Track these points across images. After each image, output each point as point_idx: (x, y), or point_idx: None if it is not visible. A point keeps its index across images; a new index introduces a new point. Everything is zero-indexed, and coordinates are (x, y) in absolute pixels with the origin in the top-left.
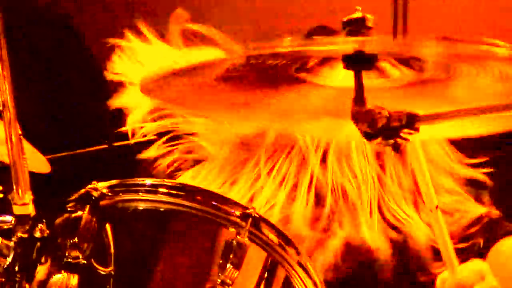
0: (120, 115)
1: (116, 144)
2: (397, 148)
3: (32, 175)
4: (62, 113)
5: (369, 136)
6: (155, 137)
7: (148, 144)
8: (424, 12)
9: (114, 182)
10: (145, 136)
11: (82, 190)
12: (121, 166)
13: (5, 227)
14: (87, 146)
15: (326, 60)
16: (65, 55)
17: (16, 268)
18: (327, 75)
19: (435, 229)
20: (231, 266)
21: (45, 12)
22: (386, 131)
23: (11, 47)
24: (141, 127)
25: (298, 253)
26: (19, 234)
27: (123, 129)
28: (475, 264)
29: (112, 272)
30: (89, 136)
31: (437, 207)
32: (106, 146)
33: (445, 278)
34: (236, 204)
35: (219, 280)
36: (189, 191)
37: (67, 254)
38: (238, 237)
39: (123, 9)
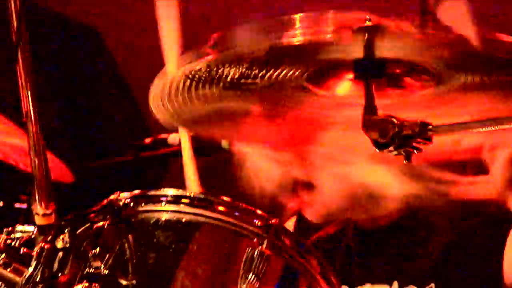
0: (145, 126)
1: (141, 154)
2: (409, 157)
3: (55, 185)
4: (86, 124)
5: (380, 145)
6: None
7: (173, 154)
8: None
9: (136, 192)
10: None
11: (105, 201)
12: (146, 176)
13: (28, 237)
14: (111, 156)
15: (333, 70)
16: (91, 66)
17: (38, 278)
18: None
19: None
20: (253, 277)
21: (71, 24)
22: (398, 140)
23: (36, 58)
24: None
25: (320, 264)
26: (41, 244)
27: (148, 139)
28: None
29: (134, 283)
30: (114, 146)
31: None
32: (131, 156)
33: None
34: (258, 214)
35: None
36: (211, 202)
37: (89, 265)
38: (260, 247)
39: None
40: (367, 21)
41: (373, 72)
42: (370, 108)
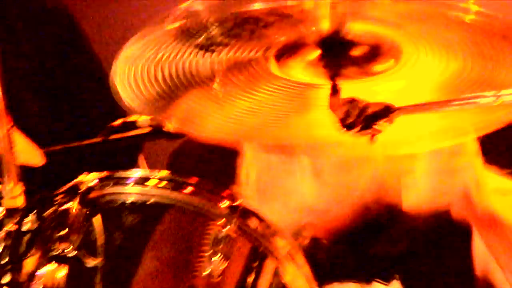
0: (115, 108)
1: (111, 137)
2: (373, 138)
3: (28, 167)
4: (58, 106)
5: (346, 126)
6: (150, 129)
7: (143, 136)
8: None
9: (102, 174)
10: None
11: (71, 182)
12: (116, 158)
13: None
14: (83, 138)
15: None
16: (61, 46)
17: (5, 261)
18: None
19: None
20: (219, 258)
21: (42, 6)
22: (364, 121)
23: (6, 40)
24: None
25: (287, 245)
26: (8, 227)
27: (117, 121)
28: None
29: (100, 264)
30: (85, 128)
31: None
32: (100, 139)
33: None
34: (224, 196)
35: (207, 272)
36: (177, 184)
37: (56, 246)
38: (227, 228)
39: None
40: None
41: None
42: (336, 89)
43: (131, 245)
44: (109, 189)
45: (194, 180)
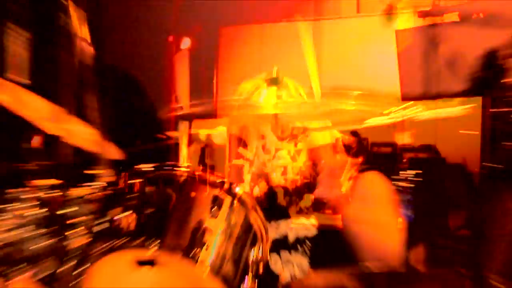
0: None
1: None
2: (296, 145)
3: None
4: (131, 126)
5: (280, 139)
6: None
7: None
8: None
9: (153, 164)
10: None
11: (134, 168)
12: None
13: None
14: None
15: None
16: (131, 93)
17: (103, 210)
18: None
19: None
20: (216, 208)
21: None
22: (291, 135)
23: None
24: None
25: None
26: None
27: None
28: None
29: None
30: (146, 138)
31: None
32: (154, 144)
33: None
34: (217, 175)
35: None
36: (192, 169)
37: (128, 203)
38: (218, 192)
39: None
40: None
41: None
42: (276, 117)
43: (166, 202)
44: (156, 172)
45: (199, 168)
